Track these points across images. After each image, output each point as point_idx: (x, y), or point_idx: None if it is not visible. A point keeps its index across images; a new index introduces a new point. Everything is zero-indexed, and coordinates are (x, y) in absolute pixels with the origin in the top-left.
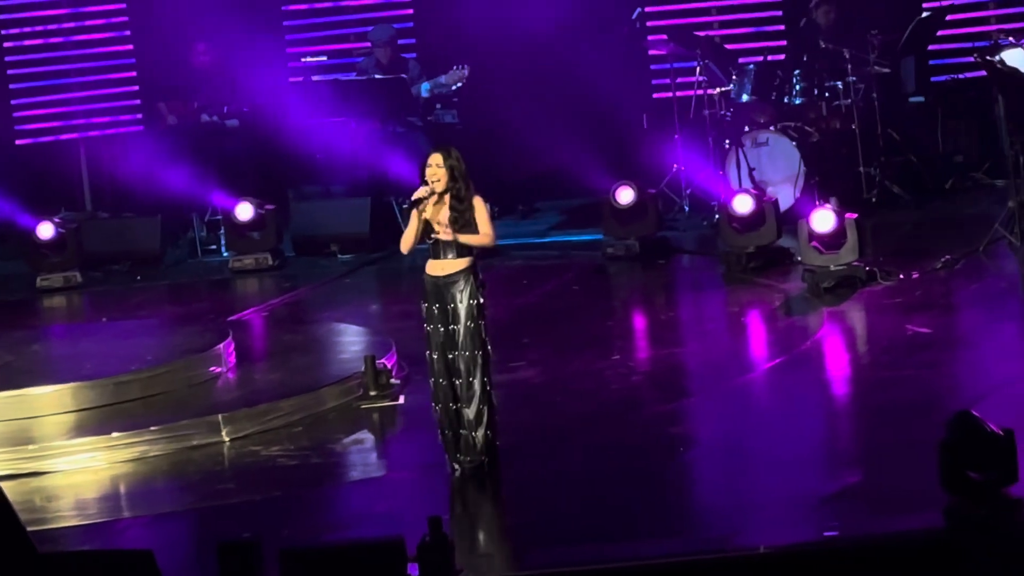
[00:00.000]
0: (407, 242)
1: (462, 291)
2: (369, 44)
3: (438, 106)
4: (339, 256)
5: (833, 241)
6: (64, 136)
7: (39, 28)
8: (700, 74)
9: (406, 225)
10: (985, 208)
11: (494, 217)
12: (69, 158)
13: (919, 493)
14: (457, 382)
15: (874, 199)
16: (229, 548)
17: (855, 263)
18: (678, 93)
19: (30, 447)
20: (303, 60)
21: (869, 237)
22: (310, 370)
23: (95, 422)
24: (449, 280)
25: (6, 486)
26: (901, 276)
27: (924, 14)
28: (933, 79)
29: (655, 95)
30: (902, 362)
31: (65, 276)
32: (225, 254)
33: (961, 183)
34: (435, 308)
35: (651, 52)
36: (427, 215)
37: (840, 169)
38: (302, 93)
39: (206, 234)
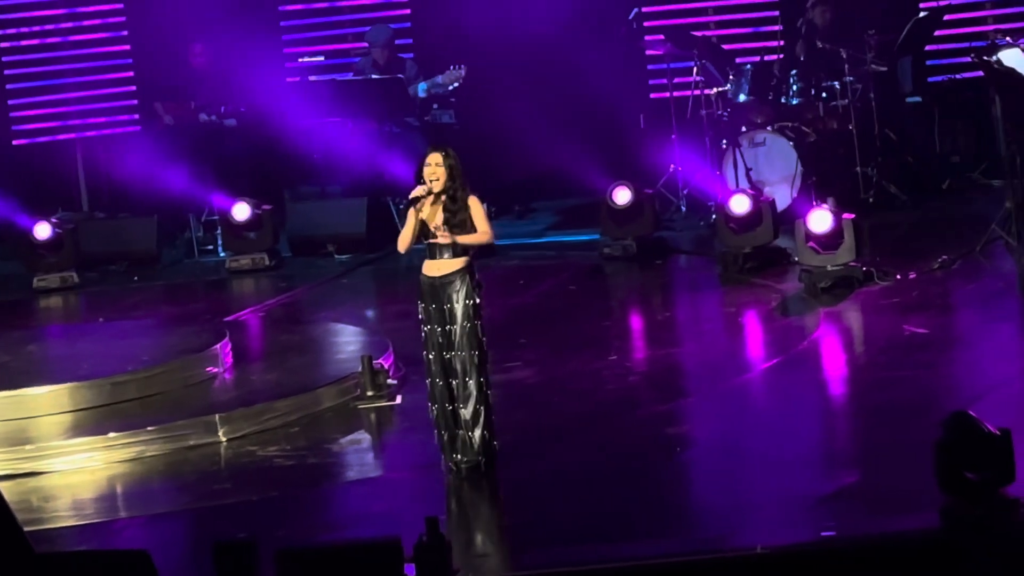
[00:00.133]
0: (404, 242)
1: (458, 291)
2: (366, 44)
3: (435, 106)
4: (336, 256)
5: (830, 241)
6: (61, 136)
7: (36, 28)
8: (697, 74)
9: (403, 225)
10: (982, 208)
11: (491, 217)
12: (66, 158)
13: (916, 493)
14: (454, 382)
15: (871, 199)
16: (225, 548)
17: (852, 263)
18: (675, 93)
19: (27, 447)
20: (300, 60)
21: (866, 237)
22: (307, 370)
23: (92, 422)
24: (445, 280)
25: (3, 486)
26: (898, 276)
27: (921, 14)
28: (930, 79)
29: (652, 95)
30: (899, 362)
31: (62, 276)
32: (222, 254)
33: (958, 183)
34: (432, 308)
35: (648, 52)
36: (424, 215)
37: (837, 169)
38: (299, 93)
39: (203, 234)
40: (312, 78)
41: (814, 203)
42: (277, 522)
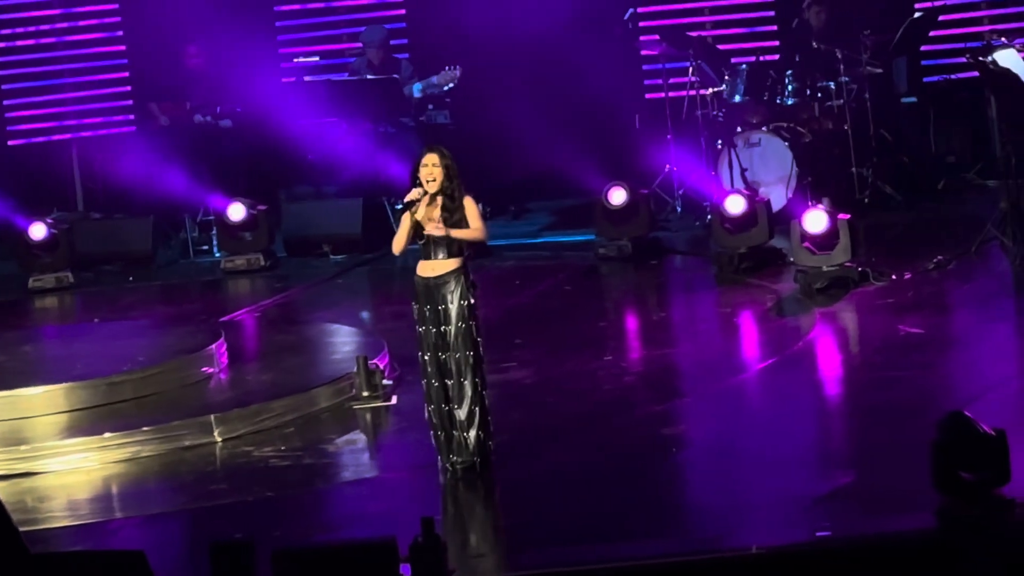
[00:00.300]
0: (399, 243)
1: (453, 292)
2: (361, 45)
3: (430, 107)
4: (331, 257)
5: (825, 242)
6: (56, 137)
7: (31, 28)
8: (693, 74)
9: (398, 226)
10: (977, 209)
11: (486, 218)
12: (61, 159)
13: (912, 493)
14: (449, 383)
15: (866, 200)
16: (221, 548)
17: (847, 264)
18: (671, 93)
19: (22, 447)
20: (295, 61)
21: (861, 238)
22: (302, 371)
23: (87, 423)
24: (440, 281)
25: None
26: (893, 277)
27: (916, 15)
28: (925, 80)
29: (648, 95)
30: (894, 363)
31: (57, 277)
32: (217, 255)
33: (953, 184)
34: (427, 309)
35: (644, 52)
36: (419, 216)
37: (832, 170)
38: (294, 94)
39: (198, 235)
40: (307, 78)
41: (809, 203)
42: (273, 522)
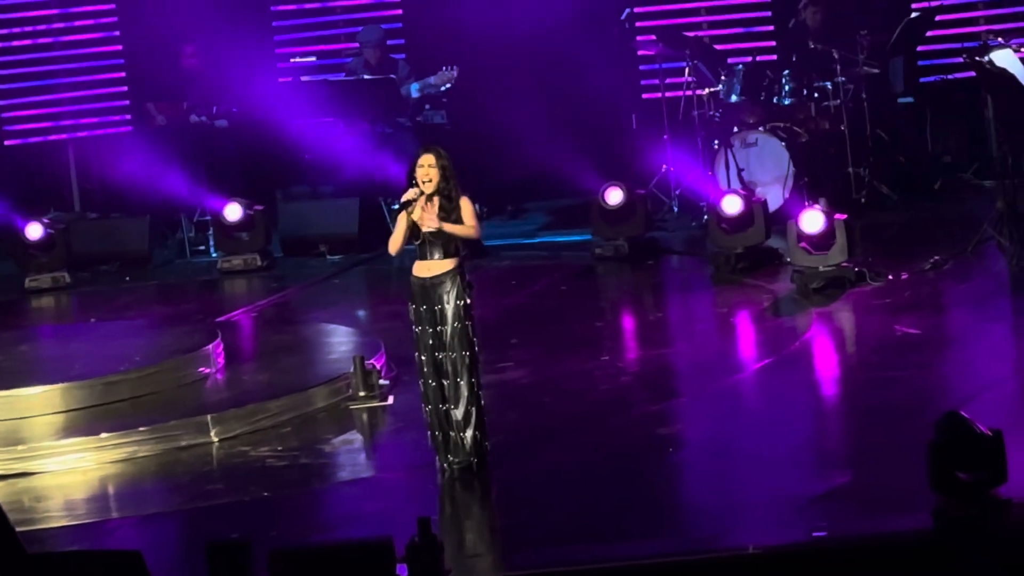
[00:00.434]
0: (395, 244)
1: (449, 292)
2: (358, 45)
3: (427, 107)
4: (328, 257)
5: (822, 242)
6: (53, 137)
7: (28, 28)
8: (689, 74)
9: (395, 226)
10: (974, 209)
11: (482, 218)
12: (58, 159)
13: (908, 493)
14: (445, 383)
15: (863, 200)
16: (218, 548)
17: (844, 264)
18: (667, 94)
19: (19, 447)
20: (292, 61)
21: (858, 238)
22: (299, 371)
23: (84, 423)
24: (436, 281)
25: None
26: (890, 277)
27: (913, 15)
28: (922, 80)
29: (644, 95)
30: (891, 363)
31: (53, 277)
32: (214, 255)
33: (950, 184)
34: (423, 309)
35: (640, 52)
36: (415, 216)
37: (829, 170)
38: (291, 94)
39: (195, 235)
40: (304, 78)
41: (806, 203)
42: (270, 522)
